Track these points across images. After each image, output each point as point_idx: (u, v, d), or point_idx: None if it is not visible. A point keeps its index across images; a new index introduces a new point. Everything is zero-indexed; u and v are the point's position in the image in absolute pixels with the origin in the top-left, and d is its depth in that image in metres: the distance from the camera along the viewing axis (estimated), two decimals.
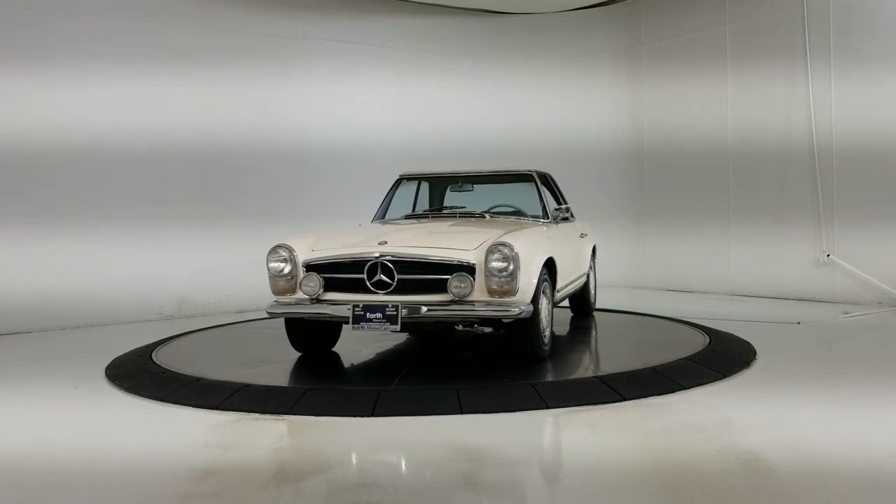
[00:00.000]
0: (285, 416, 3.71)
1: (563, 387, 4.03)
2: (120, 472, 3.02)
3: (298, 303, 4.48)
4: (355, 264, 4.39)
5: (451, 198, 6.20)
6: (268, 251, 4.57)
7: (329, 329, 5.07)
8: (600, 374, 4.24)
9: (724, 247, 8.64)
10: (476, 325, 4.63)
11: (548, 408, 3.72)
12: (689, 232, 8.99)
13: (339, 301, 4.38)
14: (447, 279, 4.23)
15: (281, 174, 8.54)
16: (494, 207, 5.80)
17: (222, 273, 8.12)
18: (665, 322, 6.24)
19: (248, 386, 4.09)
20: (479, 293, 4.23)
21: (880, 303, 7.23)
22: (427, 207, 6.21)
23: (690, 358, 4.59)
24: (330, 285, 4.44)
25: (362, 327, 4.24)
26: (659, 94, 9.38)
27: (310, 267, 4.49)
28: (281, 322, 4.92)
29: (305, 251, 4.55)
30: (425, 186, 6.32)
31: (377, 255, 4.33)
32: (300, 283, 4.46)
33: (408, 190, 6.22)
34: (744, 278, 8.46)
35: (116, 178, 7.55)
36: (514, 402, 3.77)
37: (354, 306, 4.27)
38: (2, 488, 2.87)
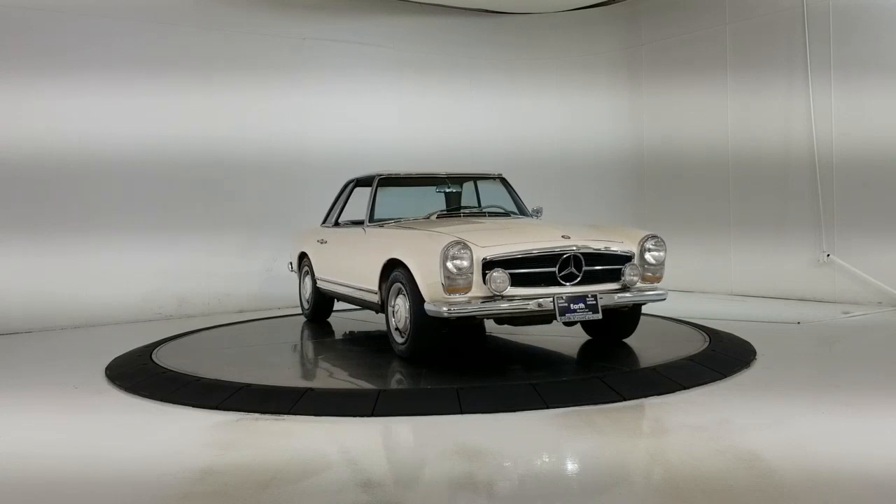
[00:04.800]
0: (285, 416, 3.71)
1: (563, 387, 4.02)
2: (120, 473, 3.02)
3: (472, 301, 4.33)
4: (547, 258, 4.45)
5: (440, 197, 6.25)
6: (442, 249, 4.27)
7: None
8: (600, 374, 4.24)
9: (724, 247, 8.63)
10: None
11: (548, 408, 3.72)
12: (688, 231, 8.98)
13: (528, 295, 4.37)
14: (619, 269, 4.64)
15: (280, 174, 8.54)
16: (487, 207, 5.93)
17: (222, 273, 8.13)
18: (665, 322, 6.24)
19: (248, 386, 4.09)
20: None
21: (880, 303, 7.23)
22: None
23: (690, 358, 4.59)
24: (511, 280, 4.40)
25: (568, 319, 4.36)
26: (659, 94, 9.37)
27: (491, 263, 4.36)
28: (280, 322, 4.89)
29: (477, 248, 4.40)
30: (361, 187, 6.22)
31: (574, 248, 4.48)
32: (488, 280, 4.30)
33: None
34: (744, 278, 8.45)
35: (116, 178, 7.55)
36: (514, 402, 3.77)
37: (558, 298, 4.34)
38: (1, 488, 2.87)
